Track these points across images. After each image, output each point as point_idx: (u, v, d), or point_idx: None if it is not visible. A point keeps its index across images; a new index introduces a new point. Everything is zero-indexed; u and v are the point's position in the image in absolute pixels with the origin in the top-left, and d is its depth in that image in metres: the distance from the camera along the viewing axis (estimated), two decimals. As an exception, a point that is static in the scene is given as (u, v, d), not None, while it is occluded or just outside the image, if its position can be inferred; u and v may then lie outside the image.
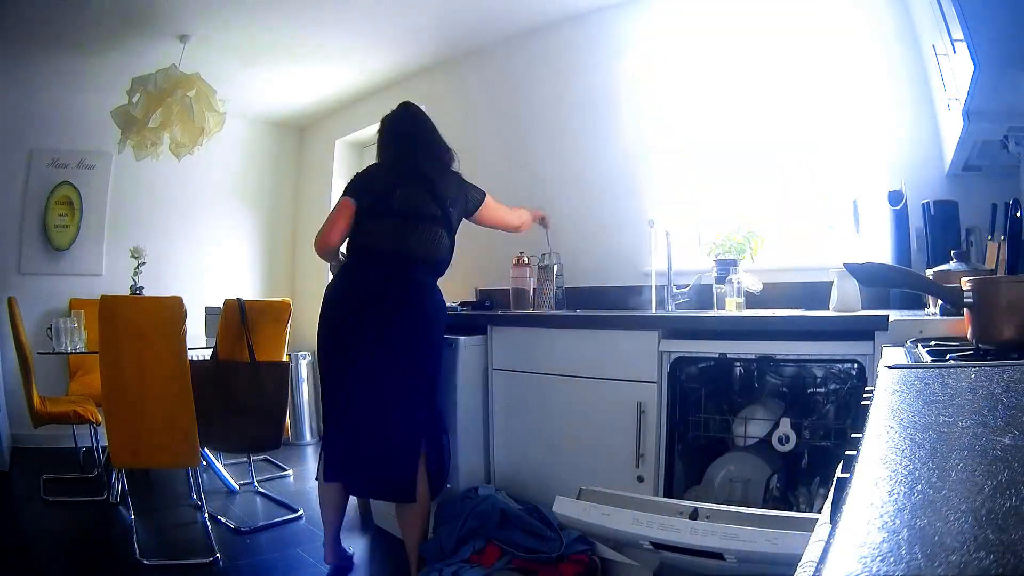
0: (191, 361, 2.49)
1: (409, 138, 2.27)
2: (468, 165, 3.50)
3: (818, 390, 1.94)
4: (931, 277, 1.40)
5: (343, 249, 2.21)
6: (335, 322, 2.08)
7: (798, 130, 2.51)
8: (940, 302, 1.37)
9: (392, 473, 2.00)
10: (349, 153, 4.54)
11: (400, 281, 2.06)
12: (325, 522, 2.19)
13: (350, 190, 2.18)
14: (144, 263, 3.64)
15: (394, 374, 2.01)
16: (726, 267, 2.27)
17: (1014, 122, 1.44)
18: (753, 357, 1.87)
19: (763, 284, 2.27)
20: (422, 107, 3.77)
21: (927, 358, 0.94)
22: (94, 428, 3.03)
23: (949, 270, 1.41)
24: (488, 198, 2.38)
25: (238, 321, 2.66)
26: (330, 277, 2.26)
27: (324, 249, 2.15)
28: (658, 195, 2.76)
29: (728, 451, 1.90)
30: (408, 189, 2.14)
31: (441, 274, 2.20)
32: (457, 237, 2.06)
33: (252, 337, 2.67)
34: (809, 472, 1.84)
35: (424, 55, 3.58)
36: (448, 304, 2.84)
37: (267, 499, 3.05)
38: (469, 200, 2.30)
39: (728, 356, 1.85)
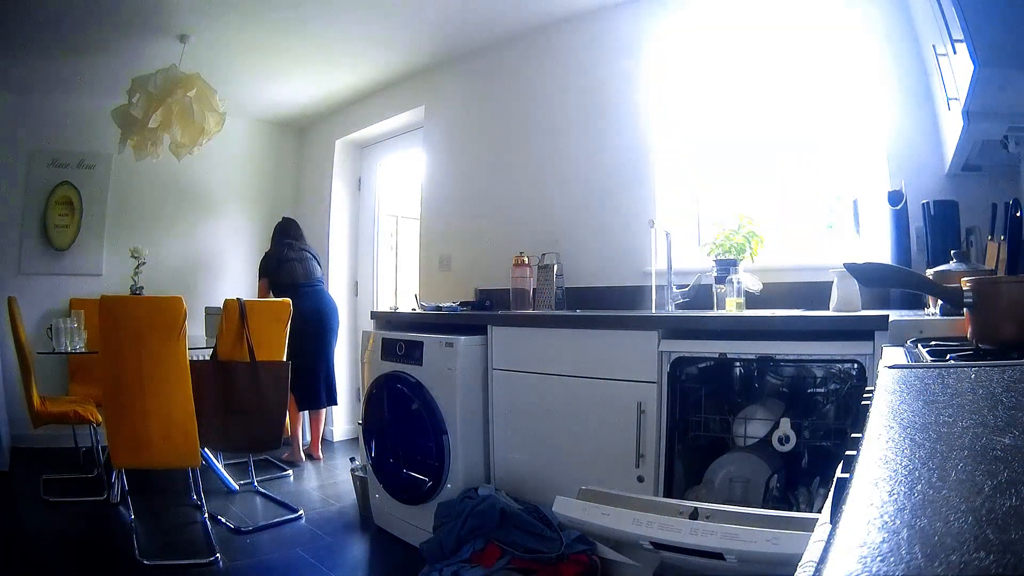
0: (191, 361, 2.49)
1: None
2: (467, 165, 3.52)
3: (818, 390, 1.94)
4: (931, 277, 1.40)
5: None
6: None
7: (798, 130, 2.51)
8: (940, 302, 1.37)
9: None
10: (349, 153, 4.54)
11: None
12: None
13: None
14: (144, 263, 3.65)
15: None
16: (726, 267, 2.27)
17: (1014, 122, 1.44)
18: (753, 357, 1.86)
19: (763, 284, 2.27)
20: (422, 107, 3.83)
21: (927, 358, 0.94)
22: (94, 428, 3.03)
23: (949, 270, 1.40)
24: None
25: (238, 321, 2.66)
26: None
27: None
28: (658, 195, 2.76)
29: (728, 451, 1.90)
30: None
31: None
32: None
33: (252, 337, 2.67)
34: (809, 472, 1.84)
35: (425, 55, 3.58)
36: (448, 304, 2.86)
37: (267, 499, 3.05)
38: None
39: (728, 356, 1.85)
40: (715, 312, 2.22)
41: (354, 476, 2.89)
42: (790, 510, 1.71)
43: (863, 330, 1.58)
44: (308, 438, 3.91)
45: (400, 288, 4.49)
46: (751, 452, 1.85)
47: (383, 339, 2.59)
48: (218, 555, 2.29)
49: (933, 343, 1.09)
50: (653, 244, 2.61)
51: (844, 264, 1.30)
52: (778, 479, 1.80)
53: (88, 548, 2.41)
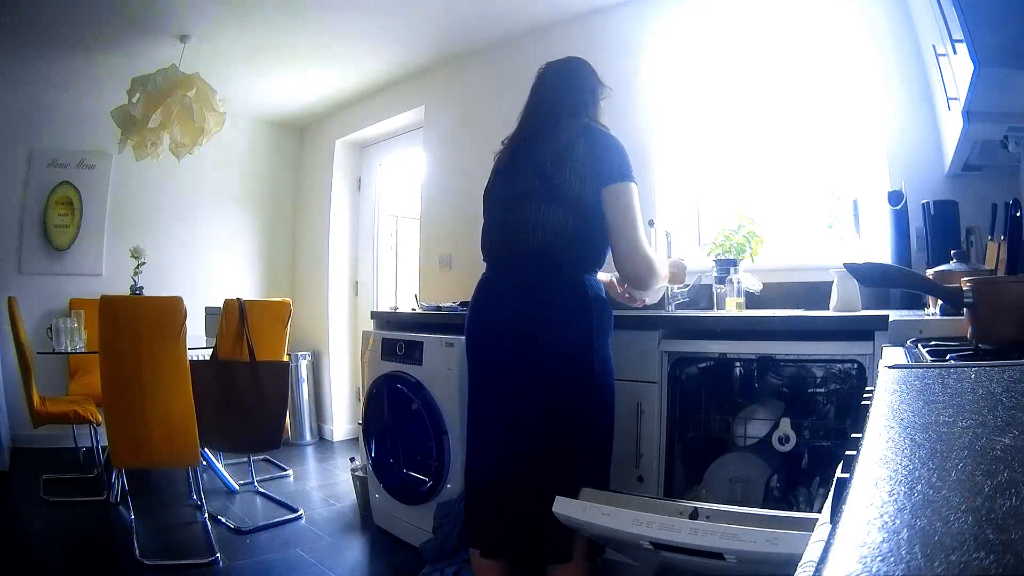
0: (191, 361, 2.49)
1: (534, 102, 1.74)
2: (467, 165, 3.52)
3: (818, 390, 1.94)
4: (931, 277, 1.40)
5: None
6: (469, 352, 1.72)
7: (799, 130, 2.51)
8: (940, 302, 1.37)
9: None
10: (349, 153, 4.54)
11: (504, 292, 1.62)
12: None
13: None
14: (144, 263, 3.65)
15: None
16: (726, 267, 2.27)
17: (1014, 122, 1.44)
18: (753, 357, 1.87)
19: (763, 284, 2.27)
20: (422, 107, 3.82)
21: (927, 358, 0.94)
22: (94, 428, 3.03)
23: (949, 270, 1.40)
24: (629, 186, 1.70)
25: (238, 321, 2.66)
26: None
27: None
28: (658, 195, 2.76)
29: (728, 451, 1.90)
30: (510, 164, 1.69)
31: (576, 269, 1.61)
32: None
33: (252, 337, 2.67)
34: (809, 472, 1.84)
35: (425, 55, 3.58)
36: (448, 304, 2.84)
37: (267, 499, 3.05)
38: (598, 170, 1.66)
39: (728, 356, 1.85)
40: (715, 312, 2.22)
41: (354, 476, 2.89)
42: (790, 510, 1.71)
43: (863, 330, 1.58)
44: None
45: (400, 288, 4.49)
46: (751, 452, 1.85)
47: (383, 339, 2.59)
48: (218, 555, 2.29)
49: (933, 343, 1.09)
50: (653, 244, 2.61)
51: (844, 264, 1.30)
52: (778, 479, 1.81)
53: (88, 548, 2.41)
